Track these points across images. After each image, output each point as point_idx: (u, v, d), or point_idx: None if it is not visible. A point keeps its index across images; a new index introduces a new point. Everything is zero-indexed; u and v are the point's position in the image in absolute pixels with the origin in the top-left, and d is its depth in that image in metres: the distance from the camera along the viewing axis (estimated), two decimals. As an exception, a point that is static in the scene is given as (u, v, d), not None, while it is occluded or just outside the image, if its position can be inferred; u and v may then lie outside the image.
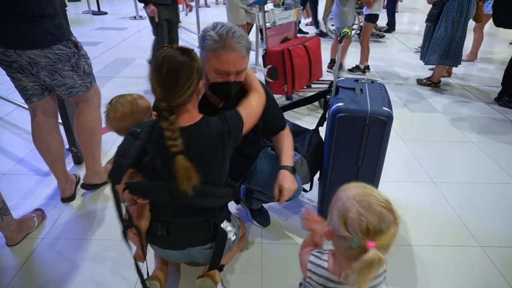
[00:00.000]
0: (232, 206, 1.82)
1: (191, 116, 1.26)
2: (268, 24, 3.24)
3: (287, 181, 1.52)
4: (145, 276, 1.44)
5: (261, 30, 3.29)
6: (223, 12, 4.43)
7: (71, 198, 2.21)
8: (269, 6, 3.79)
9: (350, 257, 0.80)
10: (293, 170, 1.58)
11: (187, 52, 1.19)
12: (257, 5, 3.23)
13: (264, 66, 3.17)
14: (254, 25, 4.44)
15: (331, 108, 1.76)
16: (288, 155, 1.63)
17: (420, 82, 4.24)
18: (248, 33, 4.03)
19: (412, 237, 1.98)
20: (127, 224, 1.29)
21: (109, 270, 1.74)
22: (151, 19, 3.62)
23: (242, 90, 1.48)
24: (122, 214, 1.27)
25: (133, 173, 1.32)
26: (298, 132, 1.95)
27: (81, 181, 2.29)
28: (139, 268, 1.39)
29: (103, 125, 1.61)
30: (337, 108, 1.70)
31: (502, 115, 3.46)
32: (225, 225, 1.43)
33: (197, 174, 1.19)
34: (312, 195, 2.22)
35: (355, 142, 1.71)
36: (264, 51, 3.24)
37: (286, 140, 1.68)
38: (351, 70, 4.58)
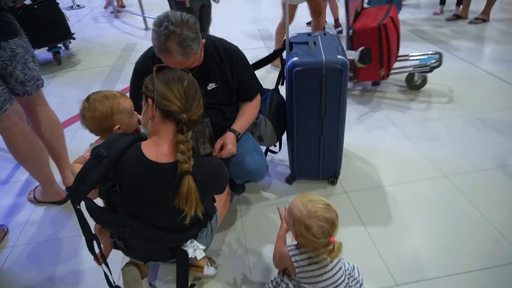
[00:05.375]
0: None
1: None
2: None
3: (232, 142, 1.57)
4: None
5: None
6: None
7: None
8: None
9: (319, 248, 1.11)
10: (239, 138, 1.64)
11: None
12: None
13: (353, 49, 2.63)
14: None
15: (287, 64, 1.74)
16: (242, 123, 1.68)
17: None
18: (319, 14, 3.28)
19: (382, 178, 2.06)
20: (89, 237, 1.22)
21: (87, 266, 1.69)
22: (180, 5, 2.89)
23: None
24: (86, 228, 1.20)
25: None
26: (258, 94, 1.93)
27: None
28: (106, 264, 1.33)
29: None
30: (293, 63, 1.69)
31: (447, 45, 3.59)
32: (189, 245, 1.29)
33: (204, 197, 1.15)
34: (282, 155, 2.24)
35: (315, 95, 1.72)
36: (351, 31, 2.64)
37: (250, 110, 1.73)
38: (309, 23, 4.56)
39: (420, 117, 2.61)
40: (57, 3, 3.97)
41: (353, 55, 2.59)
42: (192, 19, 1.38)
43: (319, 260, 1.14)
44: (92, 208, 1.18)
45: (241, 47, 1.68)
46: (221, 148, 1.57)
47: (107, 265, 1.32)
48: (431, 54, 3.00)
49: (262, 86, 1.79)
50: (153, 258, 1.36)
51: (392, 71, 2.83)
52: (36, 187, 2.13)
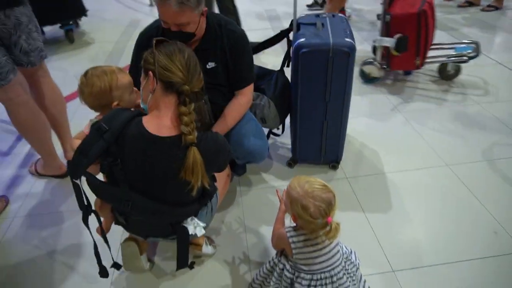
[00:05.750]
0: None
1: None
2: None
3: None
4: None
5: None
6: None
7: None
8: None
9: (317, 229, 1.11)
10: None
11: None
12: None
13: (390, 36, 2.50)
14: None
15: (293, 45, 1.71)
16: (222, 127, 1.58)
17: (379, 17, 4.20)
18: None
19: (384, 165, 2.05)
20: (87, 210, 1.22)
21: (87, 239, 1.70)
22: None
23: None
24: (83, 202, 1.20)
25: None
26: (263, 74, 1.89)
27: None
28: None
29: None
30: (299, 44, 1.65)
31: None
32: (189, 222, 1.30)
33: (206, 171, 1.15)
34: (285, 138, 2.23)
35: (320, 77, 1.69)
36: (388, 16, 2.48)
37: (236, 109, 1.63)
38: (310, 6, 4.58)
39: (438, 107, 2.57)
40: None
41: (389, 42, 2.49)
42: None
43: (317, 242, 1.14)
44: (94, 182, 1.18)
45: (246, 28, 1.64)
46: None
47: (106, 241, 1.33)
48: (467, 43, 2.82)
49: (254, 80, 1.68)
50: (153, 233, 1.37)
51: (426, 60, 2.71)
52: (38, 159, 2.14)
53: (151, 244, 1.63)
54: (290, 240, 1.16)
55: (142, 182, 1.18)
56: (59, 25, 3.93)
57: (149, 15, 4.77)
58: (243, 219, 1.77)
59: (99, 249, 1.30)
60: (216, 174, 1.50)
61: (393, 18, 2.49)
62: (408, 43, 2.49)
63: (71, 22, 4.00)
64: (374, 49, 2.76)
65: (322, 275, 1.15)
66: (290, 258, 1.20)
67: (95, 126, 1.12)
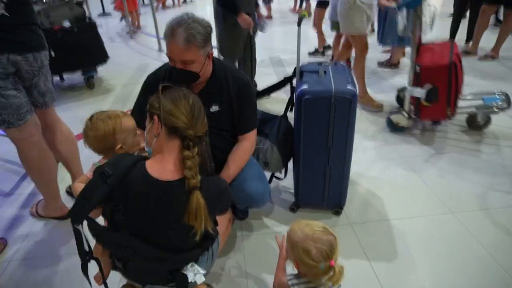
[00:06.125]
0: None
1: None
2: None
3: None
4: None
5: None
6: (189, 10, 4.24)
7: None
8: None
9: (320, 274, 1.10)
10: None
11: None
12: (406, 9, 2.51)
13: (419, 85, 2.57)
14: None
15: (296, 92, 1.76)
16: (227, 174, 1.58)
17: (380, 64, 4.35)
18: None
19: (389, 212, 2.02)
20: (87, 257, 1.20)
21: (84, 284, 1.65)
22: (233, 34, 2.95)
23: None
24: (84, 249, 1.18)
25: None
26: (267, 119, 1.93)
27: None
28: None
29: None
30: (302, 91, 1.70)
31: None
32: (189, 269, 1.25)
33: (209, 216, 1.14)
34: (287, 182, 2.22)
35: (323, 123, 1.72)
36: (418, 67, 2.56)
37: (240, 156, 1.63)
38: (311, 53, 4.85)
39: (472, 158, 2.54)
40: (96, 26, 3.88)
41: (419, 93, 2.54)
42: (209, 25, 1.46)
43: (319, 285, 1.11)
44: (95, 227, 1.17)
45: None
46: None
47: (106, 287, 1.29)
48: (496, 94, 2.78)
49: (257, 125, 1.71)
50: (152, 281, 1.33)
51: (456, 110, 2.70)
52: (39, 201, 2.13)
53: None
54: (290, 282, 1.13)
55: (144, 227, 1.16)
56: (79, 71, 3.93)
57: (158, 60, 4.96)
58: (244, 265, 1.72)
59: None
60: (217, 219, 1.48)
61: (424, 69, 2.54)
62: (438, 94, 2.52)
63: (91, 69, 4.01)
64: (399, 98, 2.75)
65: None
66: None
67: (98, 171, 1.13)
